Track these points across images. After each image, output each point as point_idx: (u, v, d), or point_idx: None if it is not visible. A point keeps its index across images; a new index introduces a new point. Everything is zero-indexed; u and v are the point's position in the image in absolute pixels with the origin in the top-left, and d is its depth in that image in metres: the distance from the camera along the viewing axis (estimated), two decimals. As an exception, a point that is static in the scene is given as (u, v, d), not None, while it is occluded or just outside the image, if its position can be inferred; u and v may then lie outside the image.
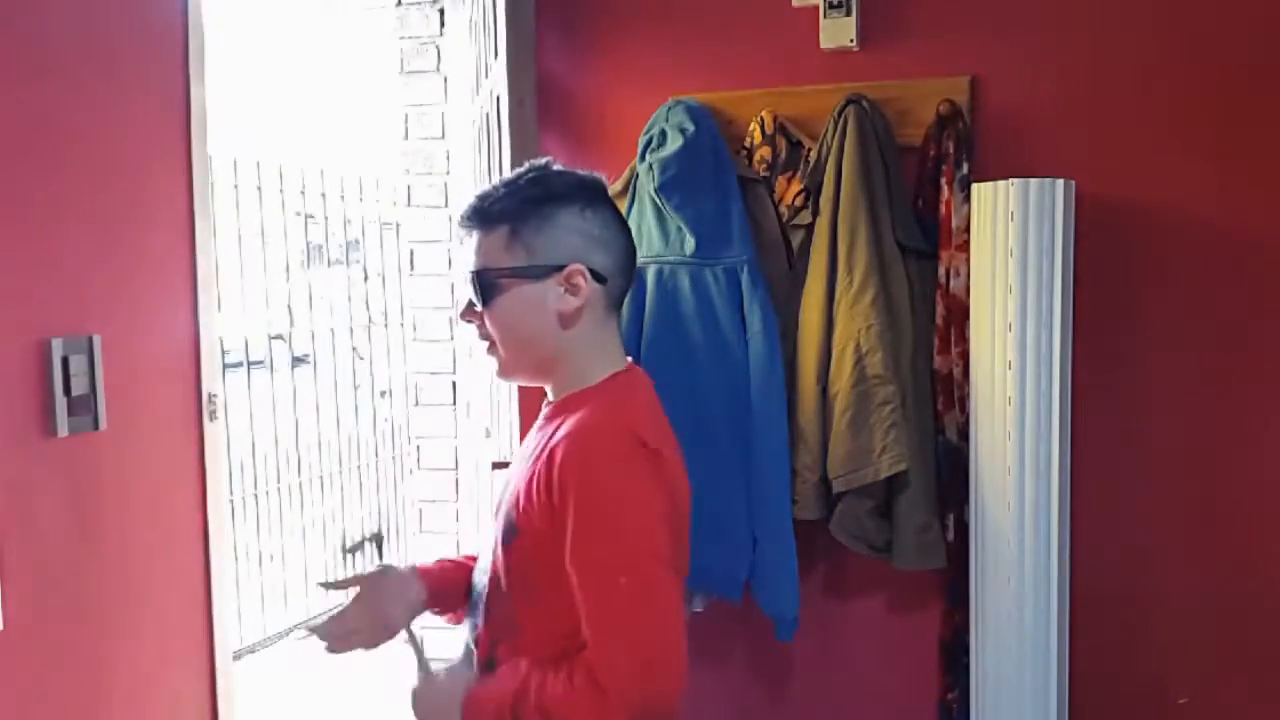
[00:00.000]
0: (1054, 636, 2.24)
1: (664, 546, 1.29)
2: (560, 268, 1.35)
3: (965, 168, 2.34)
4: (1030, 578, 2.22)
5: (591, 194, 1.39)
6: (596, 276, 1.36)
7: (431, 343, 2.96)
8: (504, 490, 1.46)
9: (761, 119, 2.47)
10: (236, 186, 4.37)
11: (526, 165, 1.42)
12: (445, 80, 2.80)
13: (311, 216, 4.95)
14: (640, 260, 2.43)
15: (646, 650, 1.25)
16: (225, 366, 3.74)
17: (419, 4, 2.80)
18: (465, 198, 1.51)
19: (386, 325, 5.20)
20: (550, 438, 1.35)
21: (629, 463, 1.30)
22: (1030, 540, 2.22)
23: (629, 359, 1.46)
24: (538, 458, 1.34)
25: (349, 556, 1.39)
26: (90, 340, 1.82)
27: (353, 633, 1.46)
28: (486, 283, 1.37)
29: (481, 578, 1.45)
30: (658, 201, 2.41)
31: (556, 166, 1.41)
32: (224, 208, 4.20)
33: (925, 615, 2.52)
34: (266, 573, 4.73)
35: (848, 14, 2.42)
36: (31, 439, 1.74)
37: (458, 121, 2.79)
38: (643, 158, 2.45)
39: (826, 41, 2.46)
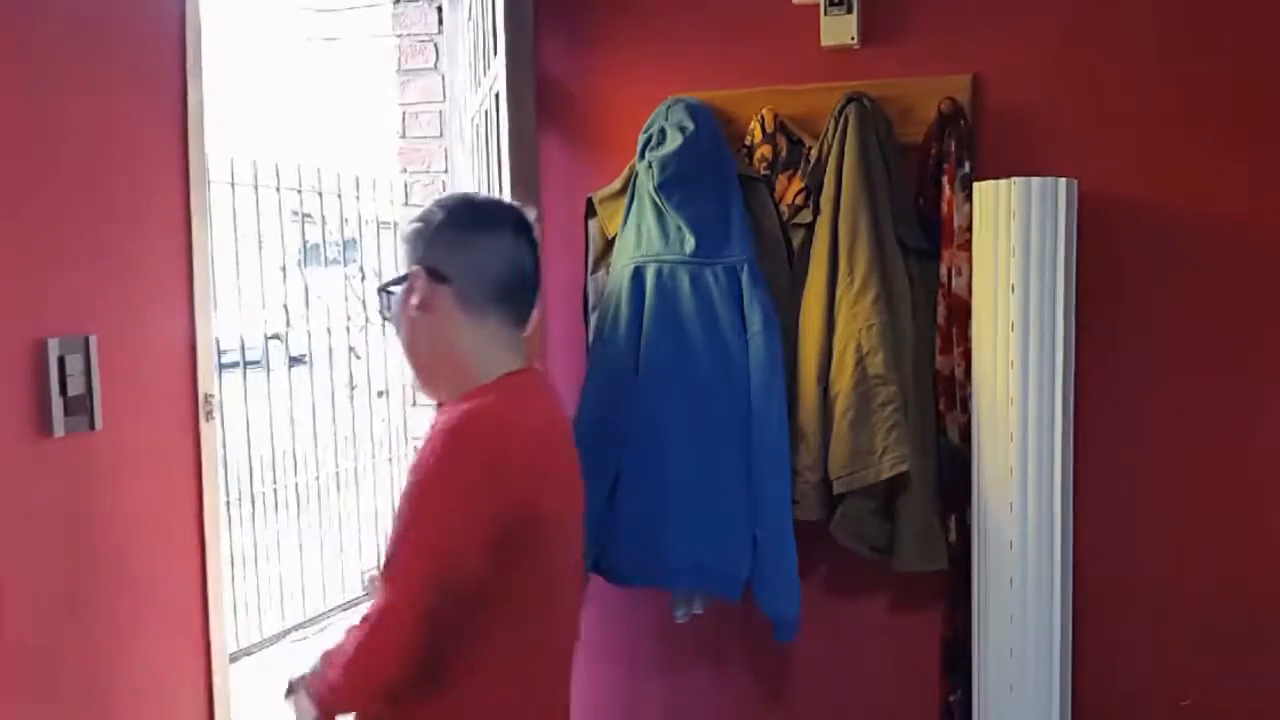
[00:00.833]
0: (1056, 638, 2.23)
1: (428, 565, 1.33)
2: (410, 276, 1.47)
3: (967, 166, 2.33)
4: (1032, 579, 2.21)
5: (480, 215, 1.52)
6: (436, 276, 1.45)
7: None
8: None
9: (762, 117, 2.46)
10: (233, 185, 4.35)
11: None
12: (443, 79, 2.79)
13: (309, 216, 4.94)
14: (640, 259, 2.43)
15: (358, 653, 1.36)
16: (221, 367, 3.73)
17: (417, 2, 2.79)
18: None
19: (384, 325, 5.19)
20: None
21: (463, 468, 1.34)
22: (1032, 541, 2.21)
23: (531, 362, 1.54)
24: None
25: None
26: (87, 340, 1.81)
27: None
28: (380, 300, 1.53)
29: None
30: (657, 200, 2.40)
31: (479, 197, 1.57)
32: (220, 207, 4.19)
33: (927, 616, 2.51)
34: (263, 574, 4.72)
35: (849, 12, 2.41)
36: (28, 439, 1.73)
37: (456, 120, 2.77)
38: (642, 156, 2.44)
39: (827, 39, 2.45)
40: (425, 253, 1.47)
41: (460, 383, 1.45)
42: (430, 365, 1.50)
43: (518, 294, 1.51)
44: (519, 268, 1.50)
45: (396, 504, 1.38)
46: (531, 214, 1.55)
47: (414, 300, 1.45)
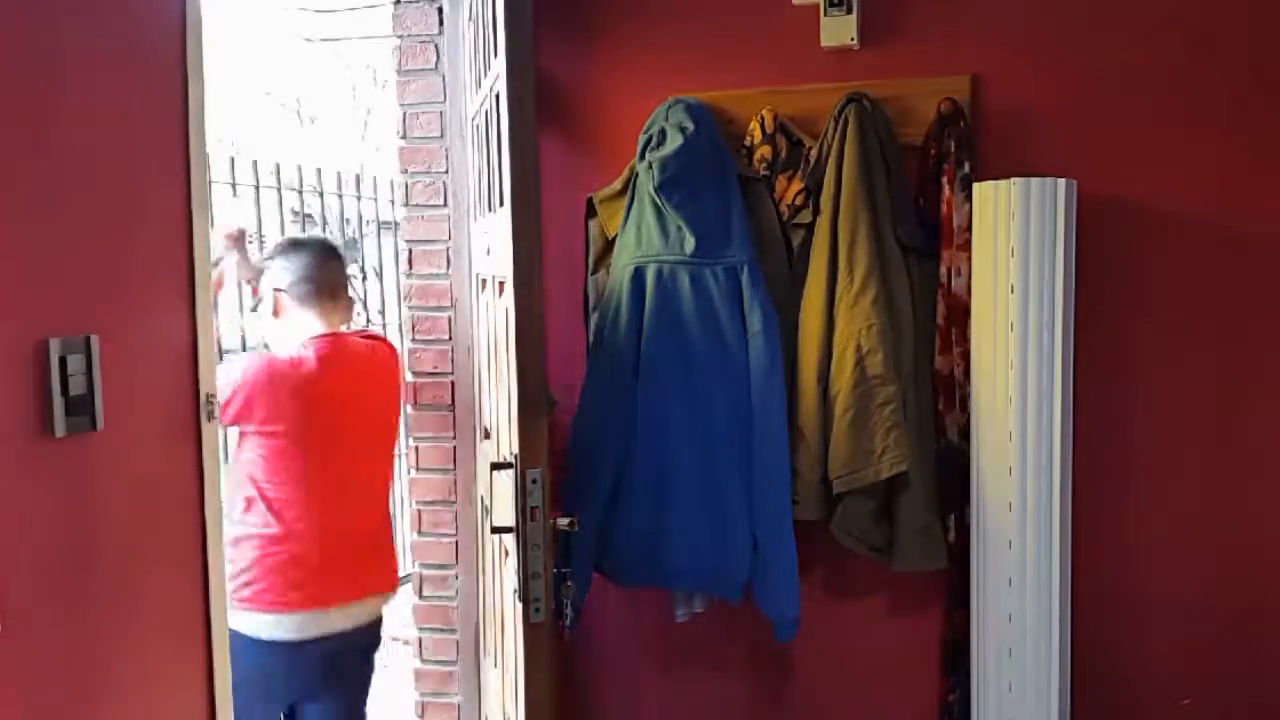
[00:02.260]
0: (1055, 637, 2.24)
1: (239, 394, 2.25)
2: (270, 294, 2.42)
3: (966, 167, 2.34)
4: (1031, 578, 2.22)
5: (298, 247, 2.41)
6: (279, 289, 2.35)
7: (429, 343, 2.94)
8: None
9: (762, 118, 2.46)
10: (233, 185, 4.35)
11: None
12: (444, 79, 2.79)
13: (309, 216, 4.94)
14: (640, 259, 2.44)
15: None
16: (222, 366, 3.72)
17: (417, 2, 2.79)
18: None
19: (384, 325, 5.19)
20: None
21: (261, 360, 2.29)
22: (1031, 541, 2.21)
23: (330, 332, 2.35)
24: None
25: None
26: (88, 340, 1.81)
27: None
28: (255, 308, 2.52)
29: None
30: (657, 201, 2.40)
31: (301, 238, 2.49)
32: (221, 206, 4.18)
33: (926, 616, 2.51)
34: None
35: (848, 12, 2.42)
36: (29, 439, 1.72)
37: (457, 121, 2.78)
38: (642, 157, 2.44)
39: (827, 40, 2.45)
40: (275, 278, 2.36)
41: (291, 341, 2.33)
42: (277, 337, 2.39)
43: (331, 289, 2.37)
44: (322, 272, 2.35)
45: None
46: (337, 241, 2.48)
47: (271, 309, 2.37)
